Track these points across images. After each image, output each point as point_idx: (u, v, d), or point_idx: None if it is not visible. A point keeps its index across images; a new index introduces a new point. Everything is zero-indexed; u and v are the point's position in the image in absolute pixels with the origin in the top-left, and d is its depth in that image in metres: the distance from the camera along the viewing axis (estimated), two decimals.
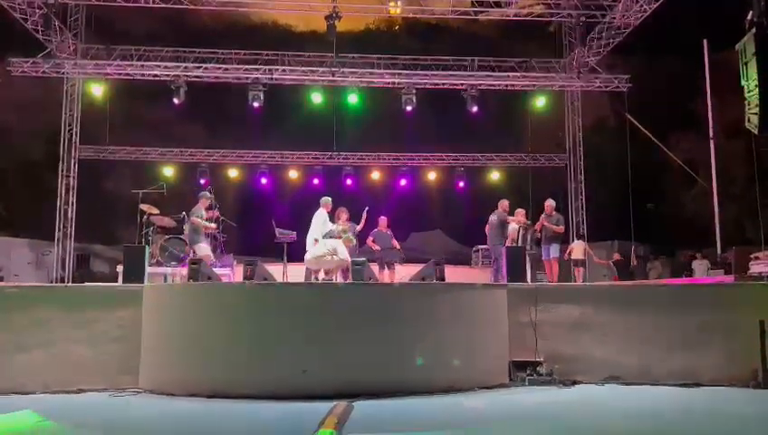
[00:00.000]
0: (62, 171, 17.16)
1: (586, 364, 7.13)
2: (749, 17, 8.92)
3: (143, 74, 16.23)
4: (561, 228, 11.77)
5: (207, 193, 10.99)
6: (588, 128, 18.53)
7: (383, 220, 12.74)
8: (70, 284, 13.22)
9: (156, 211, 11.57)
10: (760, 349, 6.88)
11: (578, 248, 13.64)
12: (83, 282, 12.95)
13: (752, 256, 12.27)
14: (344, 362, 6.47)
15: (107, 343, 6.99)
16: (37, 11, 14.71)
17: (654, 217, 20.41)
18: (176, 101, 15.92)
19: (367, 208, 11.60)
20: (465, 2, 15.03)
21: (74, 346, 6.95)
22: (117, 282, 10.16)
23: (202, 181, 17.76)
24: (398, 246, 12.81)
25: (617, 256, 16.50)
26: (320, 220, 10.56)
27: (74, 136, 17.42)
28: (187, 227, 11.31)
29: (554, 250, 11.72)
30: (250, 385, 6.40)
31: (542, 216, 11.86)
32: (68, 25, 16.42)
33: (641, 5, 14.02)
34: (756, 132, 8.97)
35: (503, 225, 11.14)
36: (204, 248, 10.35)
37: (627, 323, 7.31)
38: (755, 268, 11.46)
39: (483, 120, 17.58)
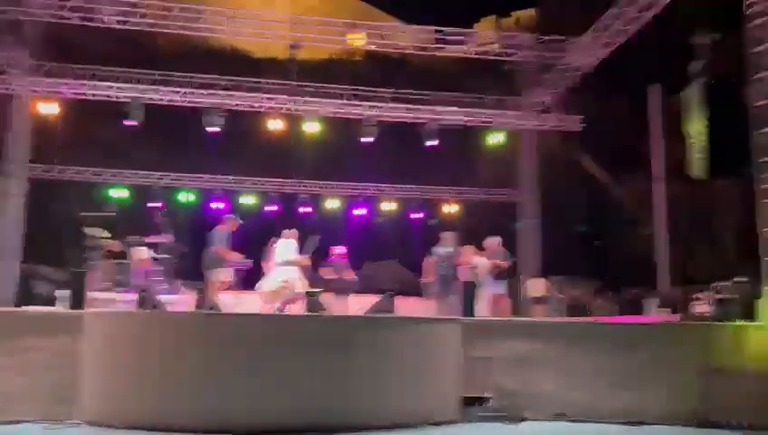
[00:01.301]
0: (7, 190, 16.52)
1: (535, 401, 7.17)
2: (694, 67, 9.37)
3: (96, 94, 15.88)
4: (507, 263, 11.74)
5: (236, 218, 10.38)
6: (541, 164, 18.92)
7: (339, 250, 12.62)
8: (5, 308, 12.64)
9: (106, 235, 11.25)
10: (701, 388, 7.05)
11: (538, 285, 13.53)
12: (20, 306, 12.41)
13: (693, 296, 12.60)
14: (293, 396, 6.34)
15: (43, 372, 6.67)
16: None
17: (602, 254, 20.87)
18: (130, 122, 15.53)
19: (319, 238, 11.39)
20: (426, 37, 15.31)
21: (7, 374, 6.61)
22: (54, 306, 9.78)
23: (158, 204, 17.37)
24: (353, 277, 12.72)
25: (575, 292, 16.68)
26: (287, 248, 10.21)
27: (21, 154, 16.82)
28: (139, 252, 11.02)
29: (502, 286, 11.67)
30: (194, 419, 6.19)
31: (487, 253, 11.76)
32: (19, 41, 15.95)
33: (593, 51, 14.55)
34: (701, 176, 9.36)
35: (451, 257, 11.14)
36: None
37: (575, 359, 7.38)
38: (697, 308, 11.75)
39: (440, 153, 17.75)
